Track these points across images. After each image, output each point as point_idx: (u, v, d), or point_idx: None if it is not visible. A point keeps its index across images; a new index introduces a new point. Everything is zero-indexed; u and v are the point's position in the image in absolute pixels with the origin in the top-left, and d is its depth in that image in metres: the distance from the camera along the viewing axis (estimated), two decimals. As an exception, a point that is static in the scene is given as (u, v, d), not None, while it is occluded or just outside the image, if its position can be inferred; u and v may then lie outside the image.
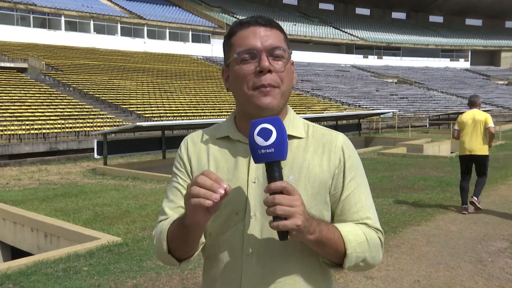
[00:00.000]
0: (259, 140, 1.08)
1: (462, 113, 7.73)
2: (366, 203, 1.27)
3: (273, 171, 1.08)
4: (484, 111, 7.47)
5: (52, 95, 24.13)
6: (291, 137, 1.26)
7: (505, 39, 69.12)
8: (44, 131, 18.41)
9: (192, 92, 31.19)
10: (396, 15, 74.28)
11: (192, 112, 25.36)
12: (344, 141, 1.29)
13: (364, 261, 1.21)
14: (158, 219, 1.32)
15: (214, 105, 28.10)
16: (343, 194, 1.26)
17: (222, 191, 1.02)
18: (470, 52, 66.88)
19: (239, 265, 1.20)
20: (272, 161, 1.08)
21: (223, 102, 29.25)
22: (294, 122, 1.30)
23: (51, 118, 20.07)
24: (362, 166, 1.32)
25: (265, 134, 1.08)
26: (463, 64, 65.85)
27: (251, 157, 1.14)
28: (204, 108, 27.12)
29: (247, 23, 1.25)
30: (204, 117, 24.15)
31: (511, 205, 7.69)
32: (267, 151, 1.08)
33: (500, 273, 4.64)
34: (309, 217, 1.09)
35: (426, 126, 31.31)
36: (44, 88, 25.06)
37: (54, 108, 21.80)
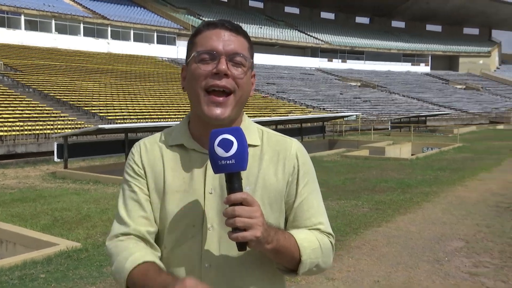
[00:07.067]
0: (219, 151, 1.06)
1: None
2: (318, 209, 1.28)
3: (233, 182, 1.07)
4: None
5: (11, 96, 23.33)
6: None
7: (463, 45, 71.52)
8: (1, 133, 17.77)
9: (157, 94, 30.82)
10: (359, 19, 75.64)
11: (157, 115, 25.06)
12: (298, 148, 1.29)
13: (317, 266, 1.23)
14: (118, 230, 1.22)
15: (179, 108, 27.87)
16: (296, 201, 1.26)
17: None
18: (430, 57, 68.77)
19: (197, 277, 1.16)
20: (232, 172, 1.06)
21: (188, 104, 28.89)
22: (249, 129, 1.27)
23: (9, 120, 19.39)
24: (314, 171, 1.32)
25: (226, 145, 1.06)
26: (423, 68, 67.64)
27: (210, 167, 1.11)
28: (169, 110, 26.85)
29: (214, 24, 1.22)
30: (169, 120, 23.87)
31: (467, 206, 7.96)
32: (228, 162, 1.05)
33: (456, 272, 4.79)
34: (268, 227, 1.09)
35: (388, 129, 31.96)
36: (2, 89, 24.20)
37: (13, 110, 21.07)
